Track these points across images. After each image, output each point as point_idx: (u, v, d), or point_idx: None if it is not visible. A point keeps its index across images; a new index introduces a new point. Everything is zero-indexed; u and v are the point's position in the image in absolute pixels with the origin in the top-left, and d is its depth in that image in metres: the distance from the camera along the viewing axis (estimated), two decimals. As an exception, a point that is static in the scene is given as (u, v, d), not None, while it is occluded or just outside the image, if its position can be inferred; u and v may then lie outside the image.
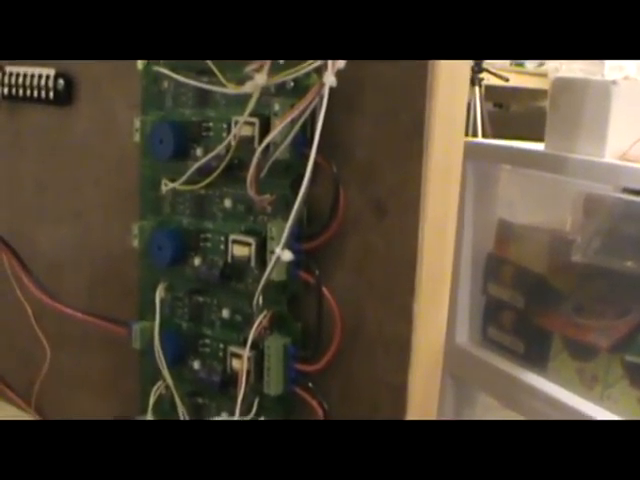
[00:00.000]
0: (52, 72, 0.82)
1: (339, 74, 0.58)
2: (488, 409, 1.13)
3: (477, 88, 2.92)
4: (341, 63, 0.57)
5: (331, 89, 0.58)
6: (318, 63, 0.59)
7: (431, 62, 0.59)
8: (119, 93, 0.78)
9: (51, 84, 0.82)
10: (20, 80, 0.84)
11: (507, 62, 3.13)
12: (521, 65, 3.21)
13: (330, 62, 0.57)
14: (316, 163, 0.60)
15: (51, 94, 0.82)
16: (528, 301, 1.05)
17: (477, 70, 2.88)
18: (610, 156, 0.96)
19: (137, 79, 0.74)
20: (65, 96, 0.82)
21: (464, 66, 0.64)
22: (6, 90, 0.85)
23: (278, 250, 0.61)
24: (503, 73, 3.02)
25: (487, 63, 2.90)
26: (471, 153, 1.08)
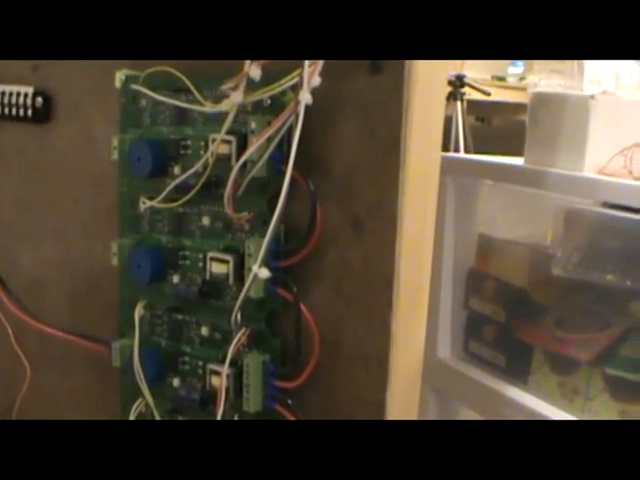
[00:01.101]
0: (30, 90, 0.82)
1: (316, 91, 0.58)
2: (470, 423, 1.13)
3: (459, 103, 2.93)
4: (316, 80, 0.58)
5: (308, 106, 0.58)
6: (294, 80, 0.59)
7: (407, 78, 0.60)
8: (98, 111, 0.78)
9: (29, 102, 0.82)
10: (-1, 99, 0.84)
11: (489, 76, 3.14)
12: (503, 79, 3.22)
13: (306, 80, 0.57)
14: (294, 180, 0.60)
15: (29, 112, 0.82)
16: (509, 315, 1.06)
17: (459, 85, 2.90)
18: (589, 170, 0.96)
19: (115, 97, 0.74)
20: (44, 114, 0.82)
21: (441, 83, 0.64)
22: (-16, 108, 0.85)
23: (255, 268, 0.61)
24: (485, 87, 3.03)
25: (469, 78, 2.91)
26: (451, 168, 1.08)
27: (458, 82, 2.89)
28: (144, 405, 0.74)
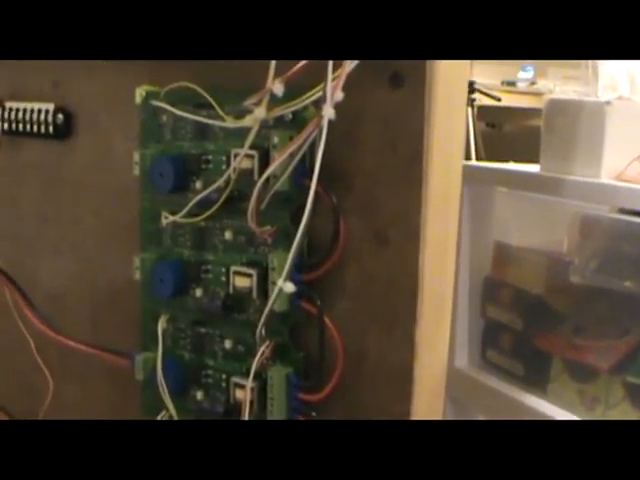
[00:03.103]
0: (51, 107, 0.83)
1: (336, 105, 0.59)
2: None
3: (469, 109, 2.94)
4: (339, 95, 0.58)
5: (329, 120, 0.58)
6: (316, 96, 0.60)
7: (427, 91, 0.60)
8: (117, 127, 0.79)
9: (50, 119, 0.83)
10: (20, 115, 0.85)
11: (498, 82, 3.14)
12: (513, 84, 3.22)
13: (329, 94, 0.57)
14: (316, 194, 0.60)
15: (50, 128, 0.83)
16: (527, 323, 1.06)
17: (469, 90, 2.90)
18: (606, 177, 0.96)
19: (134, 112, 0.74)
20: (64, 130, 0.82)
21: (461, 93, 0.65)
22: (6, 125, 0.86)
23: (280, 282, 0.61)
24: (495, 93, 3.03)
25: (479, 83, 2.92)
26: (467, 176, 1.07)
27: (468, 88, 2.89)
28: (167, 418, 0.74)
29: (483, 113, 3.10)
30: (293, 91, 0.61)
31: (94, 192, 0.82)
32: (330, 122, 0.58)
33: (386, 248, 0.63)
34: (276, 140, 0.63)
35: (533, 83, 3.09)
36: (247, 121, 0.63)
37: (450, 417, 1.13)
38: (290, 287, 0.62)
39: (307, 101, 0.61)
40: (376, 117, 0.63)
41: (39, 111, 0.83)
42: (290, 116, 0.64)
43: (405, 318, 0.62)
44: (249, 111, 0.62)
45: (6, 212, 0.91)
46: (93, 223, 0.83)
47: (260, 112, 0.61)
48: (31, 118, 0.84)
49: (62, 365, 0.85)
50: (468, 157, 2.85)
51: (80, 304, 0.85)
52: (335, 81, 0.57)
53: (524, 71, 3.27)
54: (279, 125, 0.65)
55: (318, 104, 0.59)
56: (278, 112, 0.63)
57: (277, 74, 0.60)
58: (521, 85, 3.22)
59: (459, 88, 0.64)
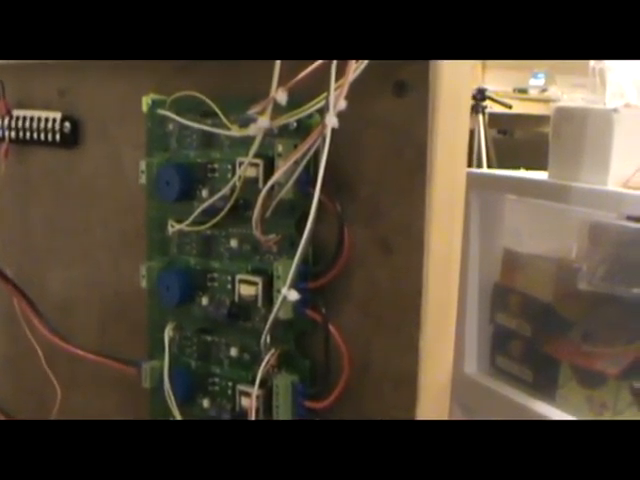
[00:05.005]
0: (58, 115, 0.83)
1: (341, 113, 0.59)
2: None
3: (481, 116, 2.94)
4: (342, 104, 0.58)
5: (333, 129, 0.59)
6: (320, 104, 0.60)
7: (432, 98, 0.60)
8: (125, 135, 0.79)
9: (57, 127, 0.83)
10: (27, 124, 0.85)
11: (510, 89, 3.15)
12: (524, 91, 3.22)
13: (332, 103, 0.57)
14: (320, 202, 0.60)
15: (58, 137, 0.83)
16: (536, 329, 1.05)
17: (480, 98, 2.90)
18: (613, 184, 0.96)
19: (142, 121, 0.75)
20: (71, 139, 0.83)
21: (465, 101, 0.64)
22: (14, 134, 0.87)
23: (284, 290, 0.61)
24: (506, 100, 3.03)
25: (490, 91, 2.92)
26: (475, 183, 1.08)
27: (479, 95, 2.89)
28: (174, 426, 0.74)
29: (494, 120, 3.10)
30: (297, 99, 0.61)
31: (102, 201, 0.82)
32: (334, 130, 0.59)
33: (390, 256, 0.63)
34: (280, 148, 0.63)
35: (544, 90, 3.09)
36: (251, 130, 0.63)
37: (459, 424, 1.13)
38: (294, 295, 0.62)
39: (311, 109, 0.61)
40: (380, 125, 0.63)
41: (46, 120, 0.84)
42: (294, 124, 0.64)
43: (409, 325, 0.62)
44: (252, 119, 0.62)
45: (15, 221, 0.91)
46: (101, 232, 0.83)
47: (263, 121, 0.62)
48: (38, 126, 0.85)
49: (70, 374, 0.85)
50: (479, 164, 2.86)
51: (88, 313, 0.86)
52: (338, 90, 0.58)
53: (535, 78, 3.27)
54: (283, 133, 0.65)
55: (322, 112, 0.59)
56: (282, 121, 0.63)
57: (281, 83, 0.60)
58: (532, 92, 3.22)
59: (463, 96, 0.64)
